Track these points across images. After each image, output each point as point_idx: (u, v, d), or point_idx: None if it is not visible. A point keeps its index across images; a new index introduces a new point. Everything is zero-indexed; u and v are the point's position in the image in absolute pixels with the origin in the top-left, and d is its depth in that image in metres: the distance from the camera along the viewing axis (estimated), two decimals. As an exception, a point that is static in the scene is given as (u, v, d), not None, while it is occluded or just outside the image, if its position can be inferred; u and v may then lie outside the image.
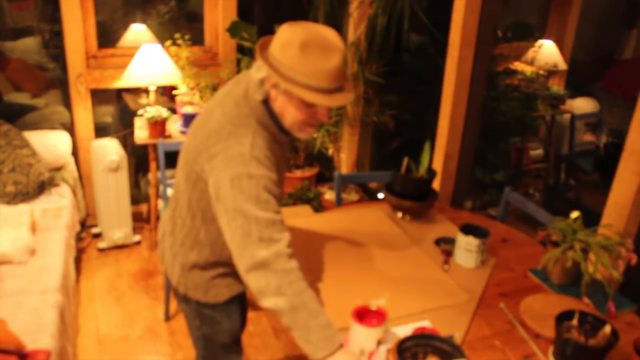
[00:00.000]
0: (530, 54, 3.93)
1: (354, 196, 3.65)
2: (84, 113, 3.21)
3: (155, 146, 3.01)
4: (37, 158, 2.94)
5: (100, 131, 3.34)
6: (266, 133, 1.39)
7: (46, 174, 2.92)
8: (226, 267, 1.52)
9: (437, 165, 2.82)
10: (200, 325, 1.63)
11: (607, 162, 3.88)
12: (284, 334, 2.65)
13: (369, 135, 3.83)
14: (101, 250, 3.26)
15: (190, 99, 3.22)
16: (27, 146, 2.93)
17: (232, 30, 3.18)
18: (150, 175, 3.15)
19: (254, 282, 1.28)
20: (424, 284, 1.68)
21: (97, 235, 3.37)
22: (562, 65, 3.93)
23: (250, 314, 2.64)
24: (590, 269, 1.58)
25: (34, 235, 2.54)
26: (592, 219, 1.80)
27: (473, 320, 1.54)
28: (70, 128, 3.27)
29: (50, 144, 3.08)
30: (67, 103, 3.27)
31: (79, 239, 3.25)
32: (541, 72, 3.98)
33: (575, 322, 1.40)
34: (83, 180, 3.34)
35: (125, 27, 3.41)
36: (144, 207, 3.64)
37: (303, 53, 1.28)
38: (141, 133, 3.09)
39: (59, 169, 3.13)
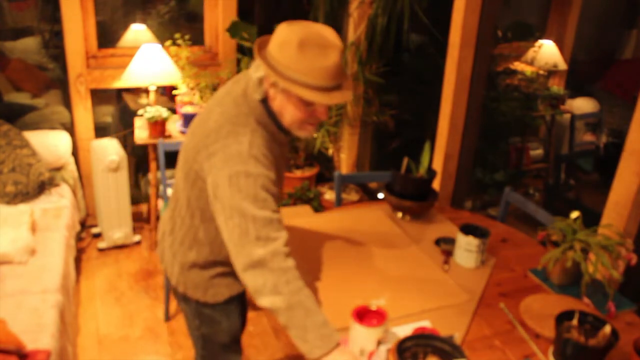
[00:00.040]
0: (530, 54, 3.93)
1: (354, 196, 3.65)
2: (84, 113, 3.21)
3: (155, 146, 3.01)
4: (37, 158, 2.94)
5: (100, 131, 3.34)
6: (265, 132, 1.39)
7: (46, 174, 2.92)
8: (225, 267, 1.52)
9: (437, 165, 2.82)
10: (199, 325, 1.63)
11: (607, 162, 3.88)
12: (284, 334, 2.65)
13: (369, 135, 3.83)
14: (101, 250, 3.26)
15: (190, 99, 3.22)
16: (27, 146, 2.93)
17: (232, 30, 3.19)
18: (150, 175, 3.15)
19: (250, 280, 1.28)
20: (424, 284, 1.68)
21: (97, 235, 3.37)
22: (562, 65, 3.93)
23: (250, 314, 2.64)
24: (590, 269, 1.58)
25: (34, 235, 2.54)
26: (592, 219, 1.80)
27: (473, 320, 1.54)
28: (70, 128, 3.28)
29: (50, 144, 3.08)
30: (67, 103, 3.27)
31: (79, 239, 3.25)
32: (541, 72, 3.98)
33: (575, 322, 1.40)
34: (83, 180, 3.35)
35: (125, 27, 3.41)
36: (144, 207, 3.64)
37: (301, 51, 1.28)
38: (141, 133, 3.09)
39: (59, 169, 3.13)
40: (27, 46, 3.30)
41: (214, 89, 3.25)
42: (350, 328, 1.33)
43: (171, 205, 1.56)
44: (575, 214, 1.71)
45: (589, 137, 4.13)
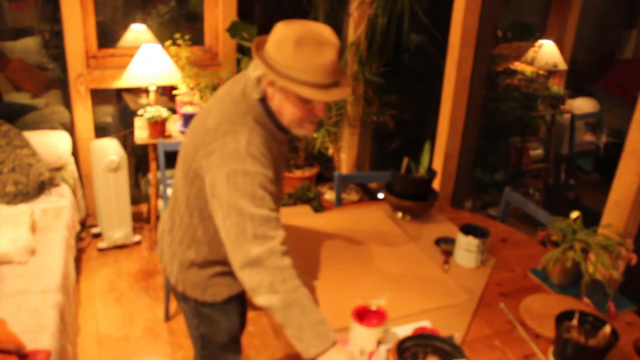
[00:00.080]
0: (530, 54, 3.93)
1: (354, 196, 3.65)
2: (84, 113, 3.21)
3: (155, 146, 3.01)
4: (37, 158, 2.94)
5: (100, 131, 3.34)
6: (263, 131, 1.39)
7: (46, 174, 2.92)
8: (224, 266, 1.52)
9: (437, 165, 2.82)
10: (198, 324, 1.63)
11: (607, 162, 3.87)
12: (284, 334, 2.65)
13: (369, 135, 3.83)
14: (101, 250, 3.26)
15: (190, 99, 3.22)
16: (27, 146, 2.93)
17: (232, 30, 3.19)
18: (150, 175, 3.15)
19: (247, 278, 1.28)
20: (424, 284, 1.68)
21: (97, 235, 3.37)
22: (562, 65, 3.93)
23: (250, 314, 2.64)
24: (590, 269, 1.58)
25: (34, 235, 2.54)
26: (592, 219, 1.80)
27: (473, 320, 1.54)
28: (70, 128, 3.28)
29: (50, 144, 3.08)
30: (67, 103, 3.27)
31: (79, 239, 3.25)
32: (541, 72, 3.98)
33: (575, 322, 1.40)
34: (83, 180, 3.34)
35: (125, 27, 3.41)
36: (144, 207, 3.64)
37: (298, 49, 1.28)
38: (141, 133, 3.09)
39: (59, 169, 3.13)
40: (27, 46, 3.30)
41: (214, 89, 3.25)
42: (350, 328, 1.33)
43: (171, 205, 1.57)
44: (575, 214, 1.71)
45: (589, 137, 4.13)
